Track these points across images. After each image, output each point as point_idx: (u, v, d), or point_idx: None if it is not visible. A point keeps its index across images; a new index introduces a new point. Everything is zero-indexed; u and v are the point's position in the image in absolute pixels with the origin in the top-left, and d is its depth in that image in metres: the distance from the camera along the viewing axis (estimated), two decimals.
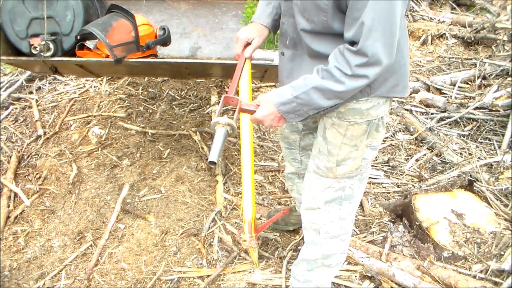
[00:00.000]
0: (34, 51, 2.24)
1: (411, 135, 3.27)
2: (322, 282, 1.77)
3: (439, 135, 3.26)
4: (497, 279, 1.96)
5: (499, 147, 3.08)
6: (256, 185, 2.68)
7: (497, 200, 2.44)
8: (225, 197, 2.58)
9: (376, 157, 3.02)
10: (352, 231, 2.33)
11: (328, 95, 1.26)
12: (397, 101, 3.73)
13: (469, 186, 2.46)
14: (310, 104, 1.29)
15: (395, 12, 1.15)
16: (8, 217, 2.45)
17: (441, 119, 3.45)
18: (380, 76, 1.30)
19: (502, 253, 2.09)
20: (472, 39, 4.58)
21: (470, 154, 3.03)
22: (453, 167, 2.85)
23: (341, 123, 1.43)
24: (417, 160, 2.99)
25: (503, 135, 3.17)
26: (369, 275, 2.06)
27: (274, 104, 1.33)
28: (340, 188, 1.56)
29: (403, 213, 2.43)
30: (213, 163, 1.29)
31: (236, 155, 2.94)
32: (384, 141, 3.23)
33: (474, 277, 1.98)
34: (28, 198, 2.56)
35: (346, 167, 1.51)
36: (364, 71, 1.20)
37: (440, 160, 2.96)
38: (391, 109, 3.59)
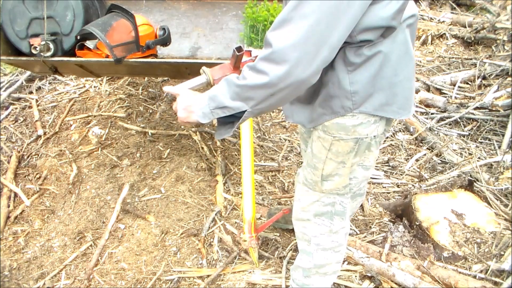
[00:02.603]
0: (34, 51, 2.24)
1: (411, 135, 3.27)
2: (319, 286, 1.76)
3: (439, 135, 3.26)
4: (497, 279, 1.96)
5: (499, 147, 3.08)
6: (256, 185, 2.68)
7: (497, 200, 2.44)
8: (225, 197, 2.58)
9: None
10: (352, 231, 2.34)
11: (231, 89, 1.13)
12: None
13: (469, 186, 2.46)
14: (215, 98, 1.17)
15: (333, 16, 0.99)
16: (8, 217, 2.45)
17: (441, 119, 3.45)
18: (362, 90, 1.23)
19: (502, 253, 2.09)
20: (472, 39, 4.58)
21: (470, 154, 3.03)
22: (453, 167, 2.85)
23: (326, 137, 1.37)
24: (417, 160, 2.99)
25: (503, 135, 3.17)
26: (369, 275, 2.06)
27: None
28: (329, 203, 1.52)
29: (403, 213, 2.43)
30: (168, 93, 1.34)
31: (236, 155, 2.94)
32: (384, 141, 3.23)
33: (474, 277, 1.97)
34: (28, 198, 2.56)
35: (333, 184, 1.46)
36: (264, 66, 1.04)
37: (440, 160, 2.96)
38: None
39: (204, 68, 1.45)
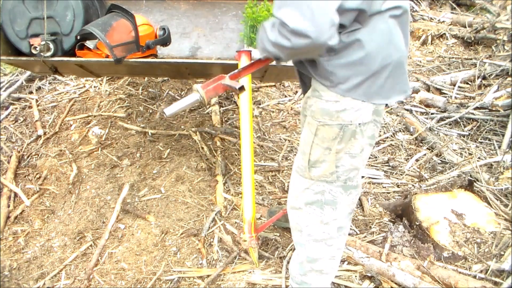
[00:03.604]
0: (34, 51, 2.24)
1: (411, 135, 3.27)
2: (317, 286, 1.75)
3: (439, 135, 3.26)
4: (497, 279, 1.96)
5: (499, 147, 3.08)
6: (256, 185, 2.68)
7: (497, 200, 2.44)
8: (225, 197, 2.58)
9: (376, 157, 3.02)
10: (352, 231, 2.34)
11: (264, 39, 1.29)
12: (397, 101, 3.73)
13: (469, 186, 2.46)
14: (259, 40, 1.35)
15: None
16: (8, 217, 2.45)
17: (441, 119, 3.45)
18: (339, 72, 1.30)
19: (502, 253, 2.09)
20: (472, 39, 4.59)
21: (470, 154, 3.03)
22: (453, 167, 2.85)
23: (312, 122, 1.43)
24: (417, 160, 2.99)
25: (503, 135, 3.17)
26: (369, 275, 2.06)
27: None
28: (319, 191, 1.54)
29: (403, 213, 2.43)
30: (165, 114, 1.48)
31: (236, 155, 2.94)
32: (384, 141, 3.23)
33: (474, 277, 1.97)
34: (28, 198, 2.56)
35: (320, 170, 1.49)
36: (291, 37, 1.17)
37: (440, 160, 2.96)
38: (391, 108, 3.59)
39: (195, 86, 1.51)
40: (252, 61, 1.72)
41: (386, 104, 1.60)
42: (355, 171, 1.51)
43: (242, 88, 1.51)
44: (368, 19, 1.27)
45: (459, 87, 3.85)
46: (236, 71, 1.63)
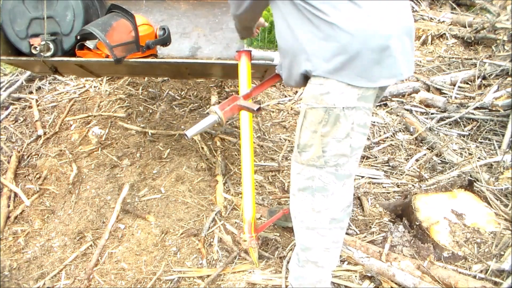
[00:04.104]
0: (34, 51, 2.24)
1: (411, 135, 3.27)
2: (314, 280, 1.74)
3: (439, 135, 3.26)
4: (497, 279, 1.96)
5: (499, 147, 3.08)
6: (256, 185, 2.68)
7: (497, 200, 2.44)
8: (225, 197, 2.58)
9: (376, 157, 3.02)
10: (352, 231, 2.34)
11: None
12: (397, 101, 3.73)
13: (469, 186, 2.46)
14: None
15: None
16: (8, 217, 2.45)
17: (441, 119, 3.45)
18: (321, 53, 1.37)
19: (502, 253, 2.09)
20: (472, 39, 4.59)
21: (470, 154, 3.03)
22: (453, 167, 2.86)
23: (303, 106, 1.49)
24: (417, 160, 2.99)
25: (503, 135, 3.17)
26: (369, 275, 2.06)
27: None
28: (309, 177, 1.56)
29: (403, 213, 2.43)
30: (186, 136, 1.59)
31: (236, 155, 2.94)
32: (384, 141, 3.23)
33: (474, 277, 1.98)
34: (28, 198, 2.56)
35: (308, 154, 1.53)
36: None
37: (440, 160, 2.96)
38: (391, 109, 3.60)
39: (213, 107, 1.65)
40: (262, 81, 1.93)
41: (383, 95, 1.63)
42: (343, 157, 1.51)
43: (259, 110, 1.67)
44: None
45: (459, 87, 3.85)
46: (248, 91, 1.83)
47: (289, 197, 2.56)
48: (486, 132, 3.25)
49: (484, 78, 3.91)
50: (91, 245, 2.30)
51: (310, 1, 1.33)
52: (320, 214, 1.60)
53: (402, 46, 1.38)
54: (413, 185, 2.73)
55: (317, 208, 1.59)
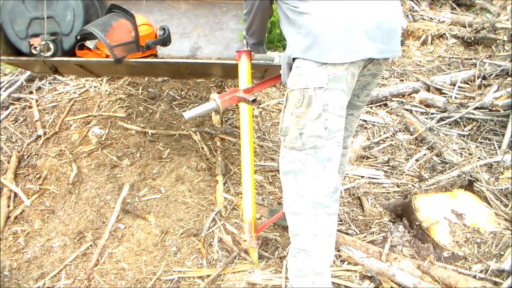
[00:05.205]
0: (34, 51, 2.24)
1: (411, 135, 3.27)
2: (307, 270, 1.69)
3: (439, 135, 3.26)
4: (497, 279, 1.96)
5: (499, 147, 3.08)
6: (256, 185, 2.68)
7: (497, 200, 2.44)
8: (225, 197, 2.58)
9: (376, 157, 3.02)
10: (352, 231, 2.34)
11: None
12: (397, 101, 3.73)
13: (469, 186, 2.46)
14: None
15: None
16: (8, 217, 2.45)
17: (441, 119, 3.45)
18: (293, 36, 1.54)
19: (502, 253, 2.09)
20: (472, 39, 4.59)
21: (470, 154, 3.03)
22: (453, 167, 2.86)
23: (286, 90, 1.59)
24: (417, 160, 2.99)
25: (503, 135, 3.17)
26: (369, 275, 2.06)
27: None
28: (291, 160, 1.62)
29: (403, 213, 2.43)
30: (183, 117, 1.68)
31: (236, 155, 2.94)
32: (384, 141, 3.23)
33: (474, 277, 1.98)
34: (28, 198, 2.56)
35: (288, 137, 1.60)
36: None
37: (440, 160, 2.96)
38: (391, 108, 3.59)
39: (213, 95, 1.75)
40: (264, 80, 2.01)
41: (376, 81, 1.73)
42: (320, 139, 1.54)
43: (254, 101, 1.73)
44: None
45: (459, 87, 3.85)
46: (249, 86, 1.90)
47: None
48: (486, 132, 3.25)
49: (484, 78, 3.91)
50: (91, 245, 2.30)
51: (286, 0, 1.54)
52: (303, 199, 1.64)
53: (375, 26, 1.48)
54: (413, 185, 2.73)
55: (300, 192, 1.63)
